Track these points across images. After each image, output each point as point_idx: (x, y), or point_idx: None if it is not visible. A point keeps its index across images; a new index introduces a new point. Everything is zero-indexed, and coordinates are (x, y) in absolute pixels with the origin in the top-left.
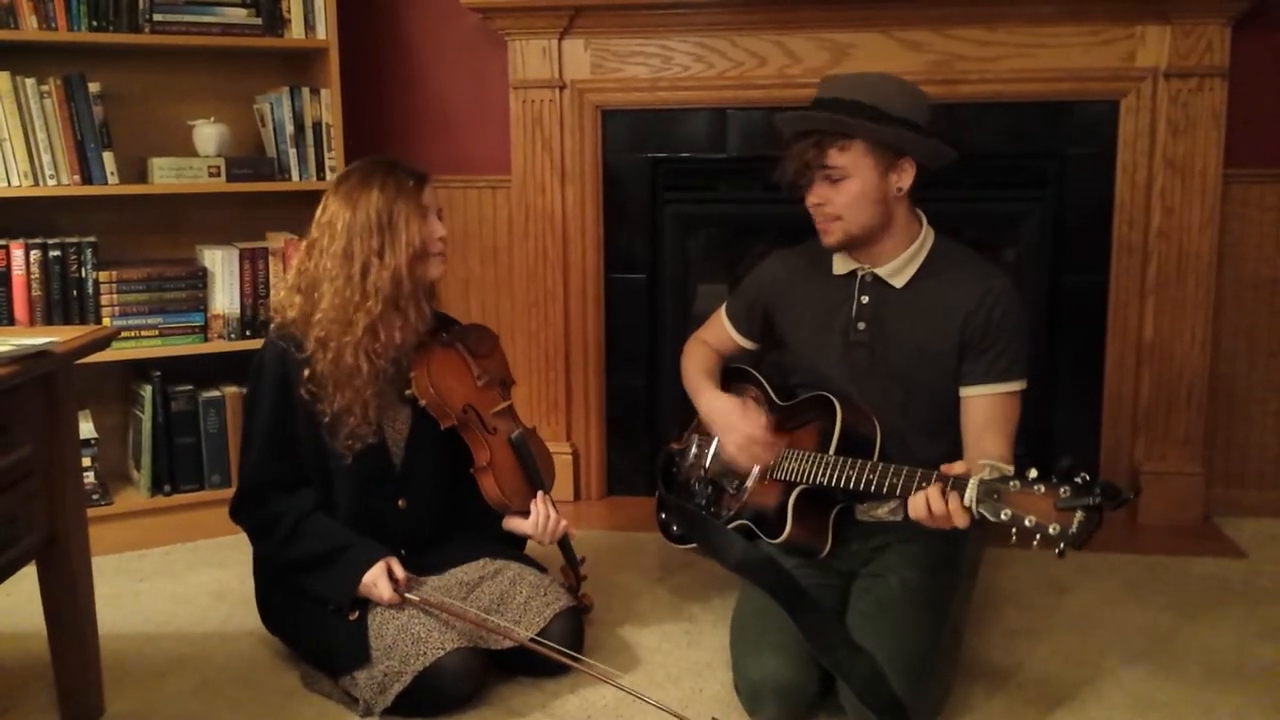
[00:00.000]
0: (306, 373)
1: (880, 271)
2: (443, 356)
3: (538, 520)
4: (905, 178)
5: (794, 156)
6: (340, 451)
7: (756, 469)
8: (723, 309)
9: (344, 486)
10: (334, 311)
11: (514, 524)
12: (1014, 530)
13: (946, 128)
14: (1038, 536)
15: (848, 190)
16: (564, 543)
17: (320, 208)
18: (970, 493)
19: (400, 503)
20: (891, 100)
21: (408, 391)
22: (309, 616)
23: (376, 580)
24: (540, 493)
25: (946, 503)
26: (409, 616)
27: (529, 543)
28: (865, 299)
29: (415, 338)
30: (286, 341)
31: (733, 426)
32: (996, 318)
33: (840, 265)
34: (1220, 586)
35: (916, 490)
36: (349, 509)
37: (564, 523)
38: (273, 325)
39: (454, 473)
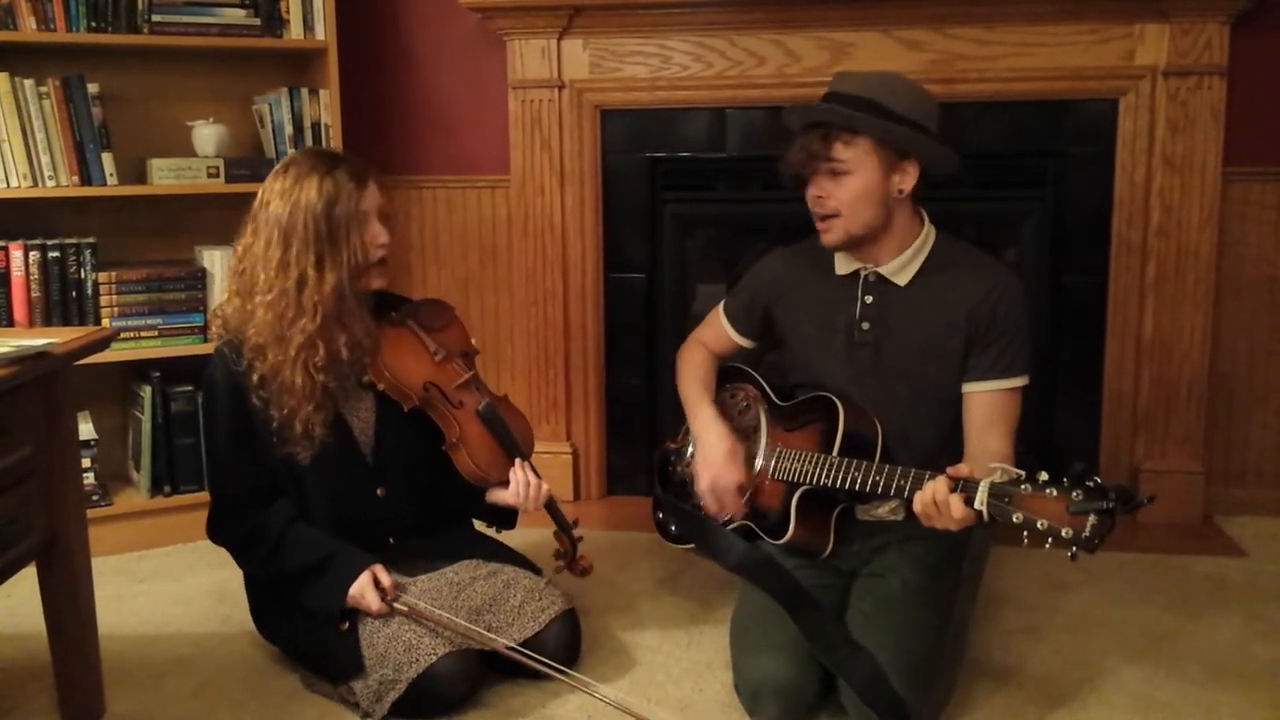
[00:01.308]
0: (255, 378)
1: (883, 270)
2: (395, 337)
3: (518, 488)
4: (908, 180)
5: (800, 147)
6: (296, 454)
7: (756, 470)
8: (720, 307)
9: (317, 486)
10: (267, 327)
11: (497, 496)
12: (1025, 532)
13: (946, 127)
14: (1050, 540)
15: (850, 186)
16: (551, 506)
17: (257, 202)
18: (981, 495)
19: (379, 491)
20: (902, 101)
21: (365, 378)
22: (302, 628)
23: (364, 591)
24: (518, 460)
25: (950, 502)
26: (398, 624)
27: (520, 522)
28: (869, 299)
29: (360, 351)
30: (230, 350)
31: (711, 465)
32: (1001, 313)
33: (843, 265)
34: (1221, 585)
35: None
36: (326, 507)
37: (545, 486)
38: (215, 334)
39: (430, 453)
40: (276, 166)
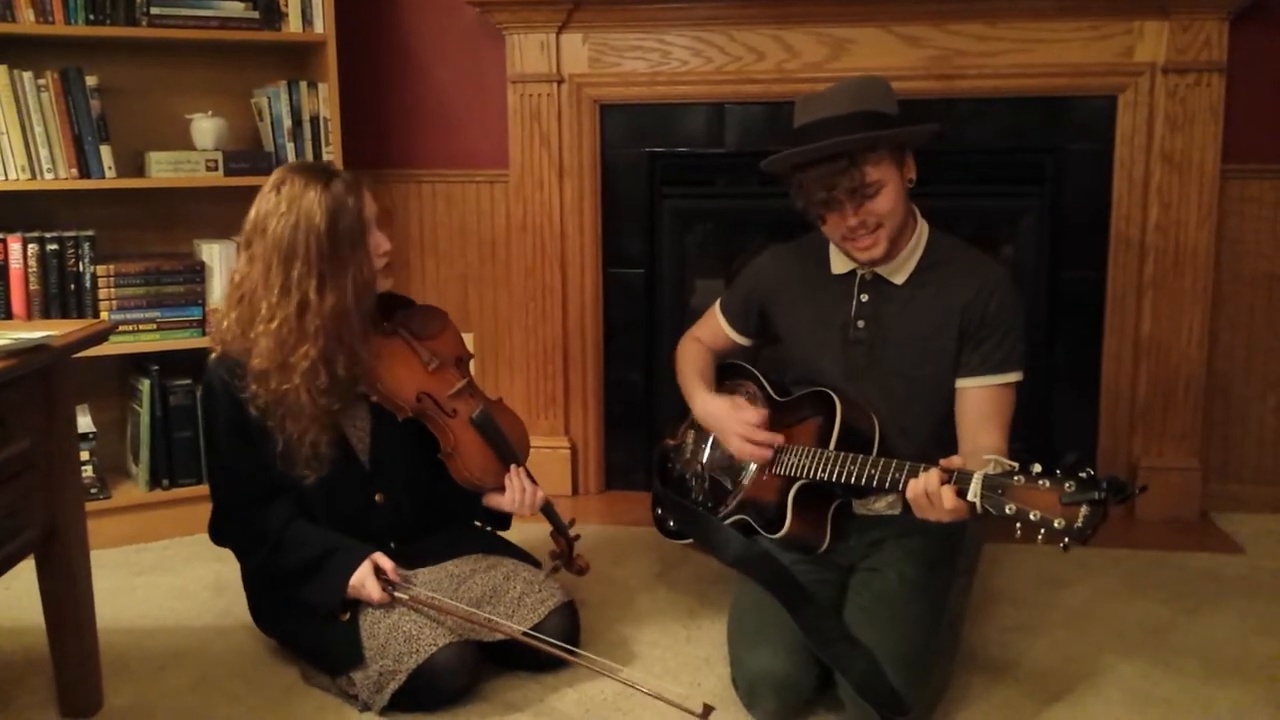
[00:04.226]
0: (260, 402)
1: (881, 270)
2: (387, 348)
3: (513, 495)
4: (911, 170)
5: (824, 183)
6: (304, 476)
7: (754, 466)
8: (717, 305)
9: (316, 494)
10: (270, 354)
11: (494, 501)
12: (1018, 524)
13: (945, 123)
14: (1042, 531)
15: (888, 198)
16: (547, 510)
17: (250, 224)
18: (974, 487)
19: (377, 498)
20: (884, 102)
21: (358, 389)
22: (301, 621)
23: (364, 580)
24: (514, 466)
25: (942, 494)
26: (399, 615)
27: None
28: (865, 297)
29: (359, 368)
30: (226, 370)
31: (729, 428)
32: (993, 309)
33: (839, 264)
34: (1217, 581)
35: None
36: (325, 514)
37: (541, 492)
38: (212, 352)
39: (427, 459)
40: (265, 186)
